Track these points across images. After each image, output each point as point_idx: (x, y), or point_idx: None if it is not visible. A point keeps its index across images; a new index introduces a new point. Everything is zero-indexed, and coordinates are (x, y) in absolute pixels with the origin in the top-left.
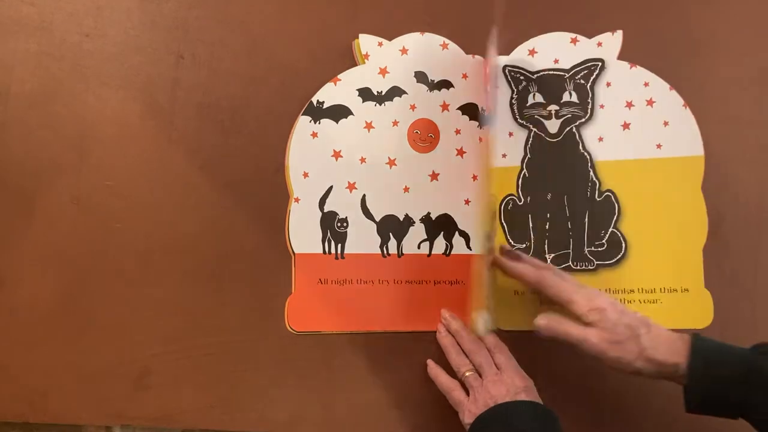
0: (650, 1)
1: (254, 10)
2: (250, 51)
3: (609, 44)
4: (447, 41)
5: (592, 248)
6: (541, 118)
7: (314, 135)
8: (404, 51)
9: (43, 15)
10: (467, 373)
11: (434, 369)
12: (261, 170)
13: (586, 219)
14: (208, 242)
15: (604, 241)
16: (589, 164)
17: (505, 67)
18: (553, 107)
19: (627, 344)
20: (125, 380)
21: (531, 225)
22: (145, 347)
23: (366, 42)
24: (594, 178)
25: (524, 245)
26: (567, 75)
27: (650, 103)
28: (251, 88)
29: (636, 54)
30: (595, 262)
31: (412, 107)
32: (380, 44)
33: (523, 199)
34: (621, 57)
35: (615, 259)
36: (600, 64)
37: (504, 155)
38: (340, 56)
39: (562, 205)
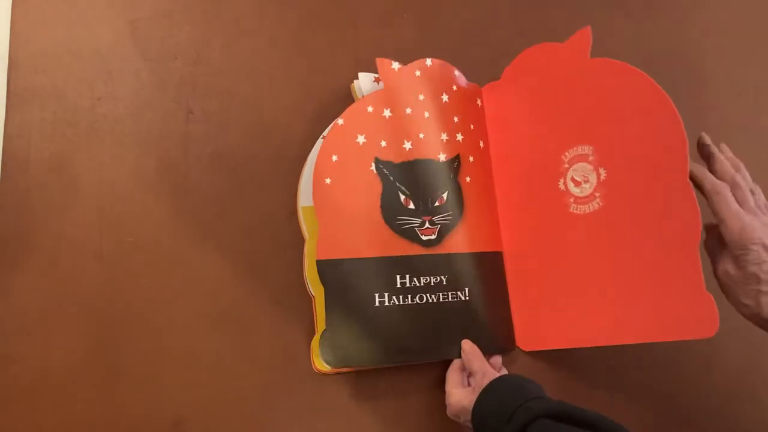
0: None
1: (258, 61)
2: (256, 99)
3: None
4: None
5: None
6: None
7: None
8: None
9: (56, 83)
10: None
11: None
12: (275, 214)
13: None
14: (230, 288)
15: None
16: None
17: None
18: None
19: (746, 290)
20: (161, 430)
21: None
22: (177, 395)
23: (363, 81)
24: None
25: None
26: None
27: None
28: (261, 135)
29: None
30: None
31: None
32: (376, 80)
33: None
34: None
35: None
36: None
37: None
38: (343, 97)
39: None
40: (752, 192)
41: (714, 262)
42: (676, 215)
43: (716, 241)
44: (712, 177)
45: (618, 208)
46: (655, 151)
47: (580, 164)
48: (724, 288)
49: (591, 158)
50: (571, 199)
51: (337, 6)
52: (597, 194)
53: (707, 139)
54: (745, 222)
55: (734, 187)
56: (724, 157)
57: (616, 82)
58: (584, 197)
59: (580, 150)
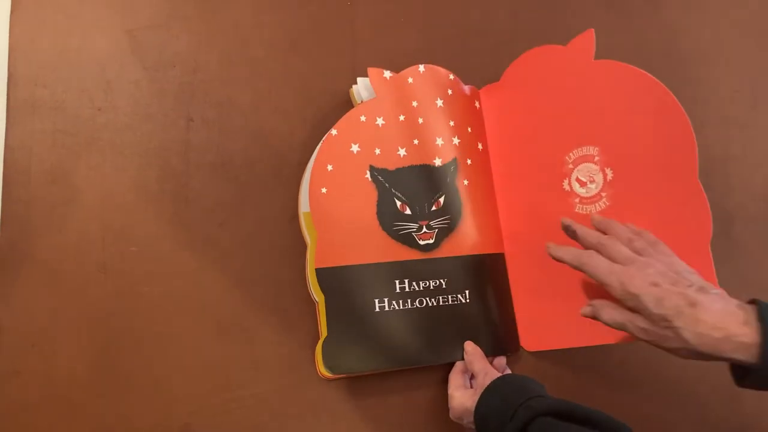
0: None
1: (257, 68)
2: (256, 106)
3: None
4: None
5: None
6: None
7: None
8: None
9: (55, 95)
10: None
11: None
12: (277, 220)
13: None
14: (234, 296)
15: None
16: None
17: None
18: None
19: (665, 334)
20: None
21: None
22: (183, 405)
23: (361, 86)
24: None
25: None
26: None
27: None
28: (261, 142)
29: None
30: None
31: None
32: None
33: None
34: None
35: None
36: None
37: None
38: (342, 102)
39: None
40: (638, 234)
41: (629, 331)
42: (688, 213)
43: (614, 306)
44: (574, 251)
45: (626, 207)
46: (664, 151)
47: (585, 165)
48: (654, 345)
49: (597, 159)
50: (577, 200)
51: (334, 11)
52: (603, 194)
53: (567, 221)
54: (622, 274)
55: (600, 248)
56: (594, 222)
57: (621, 84)
58: (590, 197)
59: (585, 151)
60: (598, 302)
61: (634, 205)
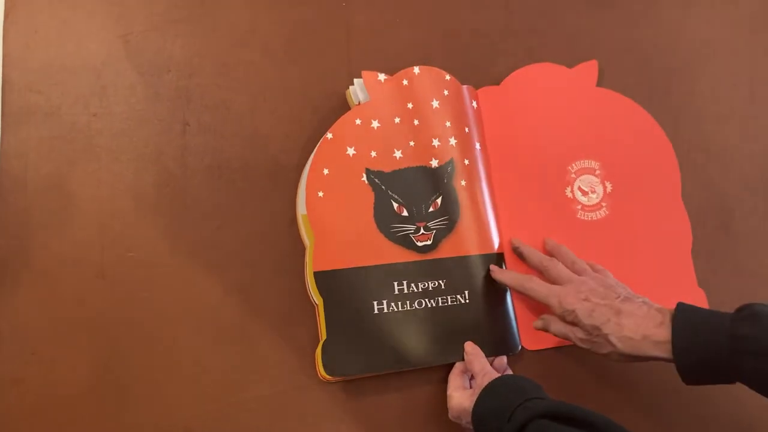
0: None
1: (252, 71)
2: (252, 110)
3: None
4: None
5: None
6: None
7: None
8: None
9: (50, 101)
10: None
11: None
12: (275, 223)
13: None
14: (234, 300)
15: None
16: None
17: None
18: None
19: (598, 342)
20: None
21: None
22: (183, 409)
23: (358, 87)
24: None
25: None
26: None
27: None
28: (258, 145)
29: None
30: None
31: None
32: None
33: None
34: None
35: None
36: None
37: None
38: (338, 104)
39: None
40: (582, 261)
41: (572, 341)
42: (672, 224)
43: (558, 323)
44: (516, 276)
45: (622, 218)
46: (652, 173)
47: (586, 176)
48: (593, 352)
49: (598, 172)
50: (579, 206)
51: (328, 13)
52: (604, 204)
53: (516, 243)
54: (558, 294)
55: (544, 270)
56: (548, 246)
57: (618, 112)
58: (592, 206)
59: (586, 164)
60: (547, 317)
61: (629, 216)
